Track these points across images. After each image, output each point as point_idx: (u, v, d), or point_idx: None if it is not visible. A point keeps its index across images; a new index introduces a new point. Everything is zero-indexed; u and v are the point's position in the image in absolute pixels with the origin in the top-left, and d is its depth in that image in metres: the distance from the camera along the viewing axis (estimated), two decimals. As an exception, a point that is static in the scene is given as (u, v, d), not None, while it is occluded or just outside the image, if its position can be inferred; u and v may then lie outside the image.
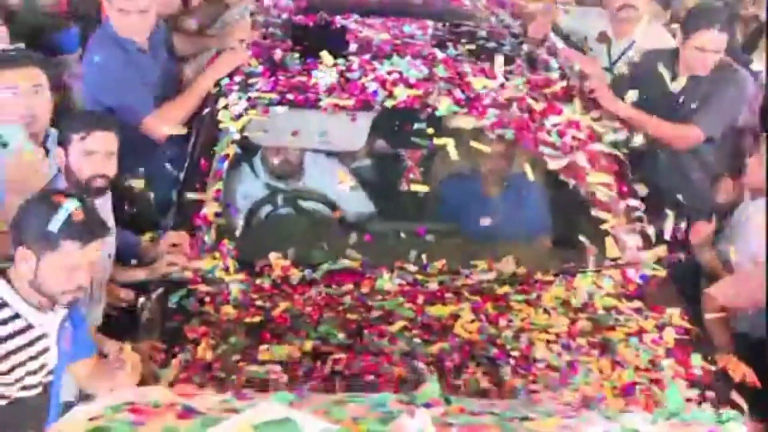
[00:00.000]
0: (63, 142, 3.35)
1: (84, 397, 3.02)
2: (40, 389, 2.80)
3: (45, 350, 2.79)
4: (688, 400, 2.96)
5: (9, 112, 3.39)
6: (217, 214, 3.69)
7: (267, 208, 3.93)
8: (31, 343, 2.75)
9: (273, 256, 3.56)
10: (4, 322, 2.70)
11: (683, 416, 2.69)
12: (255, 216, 3.88)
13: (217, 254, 3.57)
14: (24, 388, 2.75)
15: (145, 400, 2.49)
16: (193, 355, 3.06)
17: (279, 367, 3.02)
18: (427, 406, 2.55)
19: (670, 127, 4.24)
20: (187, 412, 2.45)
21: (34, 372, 2.77)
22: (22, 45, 3.82)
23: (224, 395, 2.63)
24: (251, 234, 3.77)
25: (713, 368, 3.14)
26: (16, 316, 2.73)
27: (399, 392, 2.82)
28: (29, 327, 2.75)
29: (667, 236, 3.83)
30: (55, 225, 2.65)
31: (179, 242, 3.58)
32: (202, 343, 3.11)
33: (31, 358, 2.75)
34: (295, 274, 3.51)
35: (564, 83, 4.14)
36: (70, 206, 2.68)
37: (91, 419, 2.39)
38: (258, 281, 3.47)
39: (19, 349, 2.72)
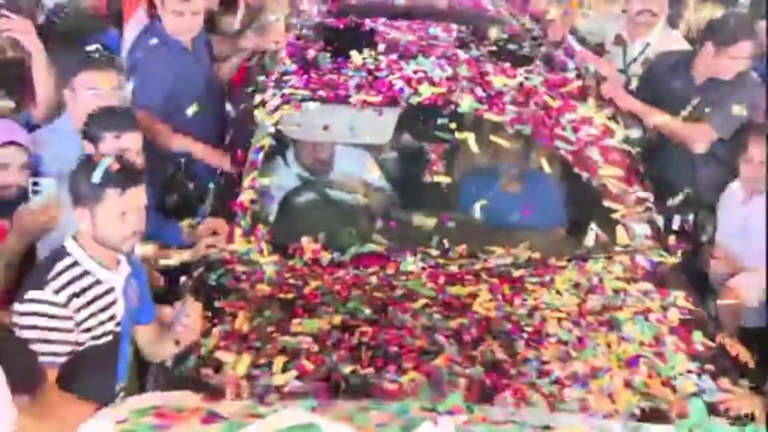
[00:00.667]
0: (94, 139, 3.56)
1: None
2: (110, 337, 3.09)
3: (113, 303, 3.09)
4: (689, 371, 3.19)
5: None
6: (252, 201, 3.96)
7: (299, 197, 4.19)
8: (100, 297, 3.04)
9: (304, 240, 3.82)
10: (77, 278, 3.00)
11: (706, 428, 2.82)
12: (288, 203, 4.15)
13: (252, 238, 3.84)
14: (95, 337, 3.03)
15: (171, 404, 2.65)
16: (231, 327, 3.33)
17: (310, 339, 3.28)
18: (450, 414, 2.69)
19: (684, 126, 4.46)
20: (212, 417, 2.59)
21: (103, 323, 3.06)
22: (100, 47, 4.11)
23: (248, 401, 2.80)
24: (284, 220, 4.04)
25: (713, 344, 3.37)
26: (86, 272, 3.02)
27: (420, 364, 3.10)
28: (97, 282, 3.04)
29: (675, 227, 4.06)
30: (96, 177, 2.96)
31: (217, 227, 3.85)
32: (239, 316, 3.37)
33: (101, 310, 3.04)
34: (325, 257, 3.77)
35: (579, 83, 4.38)
36: (107, 160, 3.00)
37: (117, 422, 2.57)
38: (290, 263, 3.74)
39: (90, 302, 3.01)
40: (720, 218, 4.19)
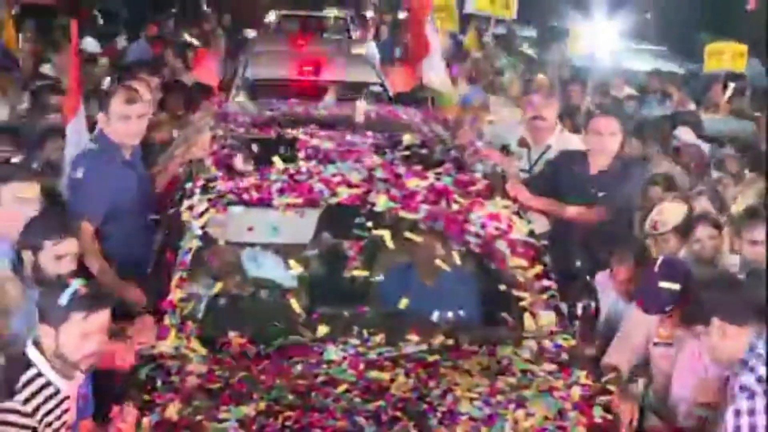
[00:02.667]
0: (33, 248, 3.81)
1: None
2: None
3: (67, 410, 3.31)
4: (589, 442, 3.46)
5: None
6: (181, 299, 4.17)
7: (227, 296, 4.41)
8: (57, 406, 3.27)
9: (232, 334, 4.04)
10: (41, 388, 3.23)
11: None
12: (216, 302, 4.36)
13: (181, 334, 4.04)
14: None
15: None
16: (162, 416, 3.52)
17: (237, 425, 3.48)
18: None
19: (577, 210, 5.09)
20: None
21: (58, 430, 3.27)
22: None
23: None
24: (212, 316, 4.25)
25: (610, 417, 3.66)
26: (48, 383, 3.25)
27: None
28: (57, 392, 3.27)
29: (578, 312, 4.39)
30: (64, 299, 3.21)
31: (145, 326, 4.03)
32: (169, 407, 3.56)
33: (57, 418, 3.27)
34: (252, 349, 3.99)
35: (486, 182, 4.74)
36: (77, 284, 3.24)
37: None
38: (219, 356, 3.94)
39: (50, 411, 3.23)
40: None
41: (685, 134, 7.45)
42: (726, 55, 10.82)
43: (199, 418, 3.52)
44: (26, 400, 3.17)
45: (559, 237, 5.21)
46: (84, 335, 3.23)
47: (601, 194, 5.17)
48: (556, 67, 11.17)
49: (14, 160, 4.57)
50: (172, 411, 3.53)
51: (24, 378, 3.22)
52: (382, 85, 8.83)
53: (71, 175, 4.72)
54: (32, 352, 3.28)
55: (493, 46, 12.03)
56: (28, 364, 3.25)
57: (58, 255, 3.84)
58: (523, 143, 5.66)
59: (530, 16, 16.68)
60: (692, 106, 9.75)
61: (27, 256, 3.89)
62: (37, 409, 3.19)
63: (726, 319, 3.70)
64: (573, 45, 11.42)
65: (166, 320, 4.07)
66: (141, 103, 4.75)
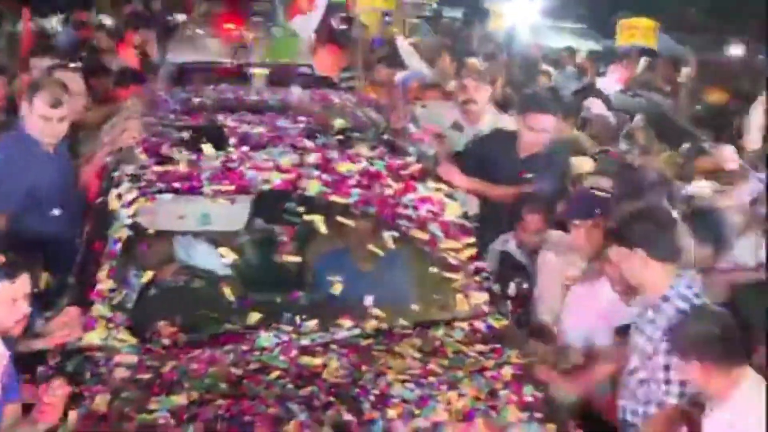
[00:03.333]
0: None
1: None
2: None
3: None
4: (520, 420, 3.49)
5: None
6: (111, 290, 4.11)
7: (156, 286, 4.36)
8: None
9: (161, 324, 3.99)
10: None
11: None
12: (146, 291, 4.31)
13: (110, 325, 3.98)
14: None
15: None
16: (89, 409, 3.47)
17: (168, 414, 3.44)
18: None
19: (504, 190, 5.17)
20: None
21: None
22: None
23: None
24: (142, 306, 4.19)
25: (541, 395, 3.69)
26: None
27: (272, 428, 3.31)
28: None
29: (511, 293, 4.43)
30: None
31: (71, 318, 3.97)
32: (97, 399, 3.51)
33: None
34: (183, 338, 3.95)
35: (419, 165, 4.74)
36: None
37: None
38: (148, 346, 3.90)
39: None
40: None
41: (594, 107, 7.60)
42: (638, 31, 11.22)
43: (128, 409, 3.47)
44: None
45: (488, 217, 5.25)
46: (13, 301, 3.39)
47: (529, 176, 5.24)
48: (479, 43, 11.37)
49: None
50: (101, 403, 3.48)
51: None
52: (309, 66, 8.84)
53: None
54: None
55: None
56: None
57: None
58: (456, 126, 5.70)
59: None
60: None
61: None
62: None
63: (652, 253, 3.75)
64: (495, 23, 11.71)
65: (95, 311, 4.01)
66: (64, 107, 4.65)
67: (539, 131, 5.31)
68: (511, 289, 4.44)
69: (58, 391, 3.36)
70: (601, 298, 4.27)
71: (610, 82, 10.04)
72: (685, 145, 6.60)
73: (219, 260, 4.37)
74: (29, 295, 3.47)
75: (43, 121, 4.58)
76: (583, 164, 5.88)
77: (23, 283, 3.43)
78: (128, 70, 7.54)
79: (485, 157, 5.29)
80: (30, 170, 4.55)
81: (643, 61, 10.46)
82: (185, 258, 4.50)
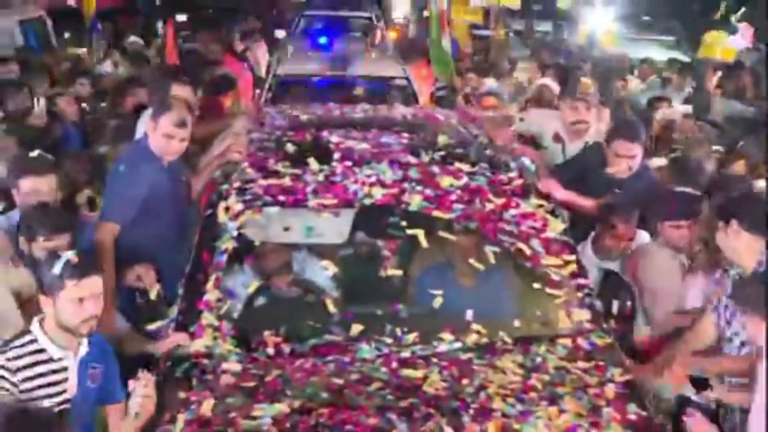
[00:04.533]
0: (28, 236, 4.16)
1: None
2: (55, 410, 3.44)
3: (62, 381, 3.49)
4: (622, 438, 3.44)
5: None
6: (218, 300, 4.22)
7: (262, 296, 4.46)
8: (49, 373, 3.46)
9: (266, 333, 4.08)
10: (31, 353, 3.48)
11: None
12: (252, 302, 4.41)
13: (217, 334, 4.09)
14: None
15: None
16: (196, 414, 3.56)
17: (270, 421, 3.51)
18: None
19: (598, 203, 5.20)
20: None
21: (49, 396, 3.45)
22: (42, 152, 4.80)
23: None
24: (248, 316, 4.29)
25: (645, 414, 3.63)
26: (42, 350, 3.47)
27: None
28: (51, 359, 3.47)
29: (614, 311, 4.37)
30: (57, 269, 3.45)
31: (180, 341, 4.07)
32: (204, 404, 3.61)
33: (50, 385, 3.46)
34: (286, 348, 4.02)
35: (521, 181, 4.73)
36: (68, 255, 3.50)
37: None
38: (254, 355, 3.98)
39: (37, 376, 3.43)
40: None
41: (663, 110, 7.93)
42: (718, 45, 12.07)
43: (233, 415, 3.56)
44: (12, 359, 3.42)
45: (577, 230, 5.17)
46: (78, 300, 3.46)
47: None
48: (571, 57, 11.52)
49: (33, 154, 4.76)
50: (207, 408, 3.58)
51: (18, 342, 3.49)
52: (406, 78, 8.96)
53: (114, 167, 4.86)
54: (34, 326, 3.54)
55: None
56: (25, 333, 3.53)
57: (47, 248, 4.08)
58: (557, 138, 5.69)
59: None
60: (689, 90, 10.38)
61: (22, 240, 4.26)
62: (21, 369, 3.42)
63: (743, 224, 3.96)
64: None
65: (203, 320, 4.12)
66: (188, 127, 4.81)
67: (626, 158, 5.35)
68: (615, 307, 4.38)
69: (147, 384, 3.53)
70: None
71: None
72: None
73: (325, 273, 4.44)
74: (98, 298, 3.52)
75: (166, 139, 4.75)
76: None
77: (92, 284, 3.49)
78: (226, 76, 7.78)
79: (582, 172, 5.32)
80: (148, 182, 4.73)
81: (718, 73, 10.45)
82: (299, 270, 4.59)
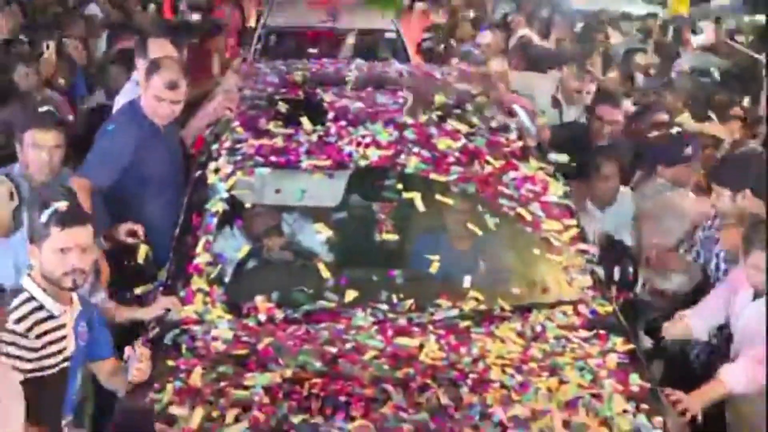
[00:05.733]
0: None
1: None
2: (56, 370, 3.36)
3: (63, 338, 3.39)
4: (625, 411, 3.34)
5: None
6: (208, 263, 4.09)
7: (253, 260, 4.33)
8: (51, 330, 3.36)
9: (258, 299, 3.95)
10: (31, 312, 3.34)
11: None
12: (243, 266, 4.28)
13: (207, 299, 3.97)
14: (43, 368, 3.31)
15: None
16: (186, 383, 3.45)
17: (262, 391, 3.40)
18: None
19: None
20: None
21: (53, 354, 3.35)
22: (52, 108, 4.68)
23: None
24: (239, 281, 4.16)
25: (648, 385, 3.53)
26: (41, 307, 3.35)
27: (368, 412, 3.24)
28: (51, 317, 3.36)
29: (616, 277, 4.26)
30: (44, 217, 3.33)
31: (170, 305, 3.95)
32: (194, 373, 3.49)
33: (51, 343, 3.35)
34: (279, 315, 3.90)
35: (521, 143, 4.59)
36: (59, 204, 3.36)
37: None
38: (245, 321, 3.86)
39: (43, 334, 3.32)
40: None
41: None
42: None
43: (223, 384, 3.44)
44: (18, 320, 3.30)
45: None
46: (62, 250, 3.33)
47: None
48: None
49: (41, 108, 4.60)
50: (196, 377, 3.46)
51: (16, 301, 3.35)
52: (396, 32, 8.80)
53: (104, 125, 4.68)
54: (25, 280, 3.42)
55: None
56: (19, 291, 3.39)
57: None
58: (555, 103, 5.63)
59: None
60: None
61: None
62: (30, 329, 3.31)
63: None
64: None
65: (192, 285, 3.99)
66: (180, 90, 4.60)
67: (609, 122, 5.57)
68: (616, 273, 4.27)
69: (143, 358, 3.46)
70: None
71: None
72: None
73: (317, 237, 4.31)
74: (84, 250, 3.39)
75: (157, 101, 4.57)
76: None
77: (76, 234, 3.35)
78: (214, 20, 7.62)
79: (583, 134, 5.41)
80: (135, 144, 4.56)
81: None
82: (292, 234, 4.45)
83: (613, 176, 5.14)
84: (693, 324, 4.14)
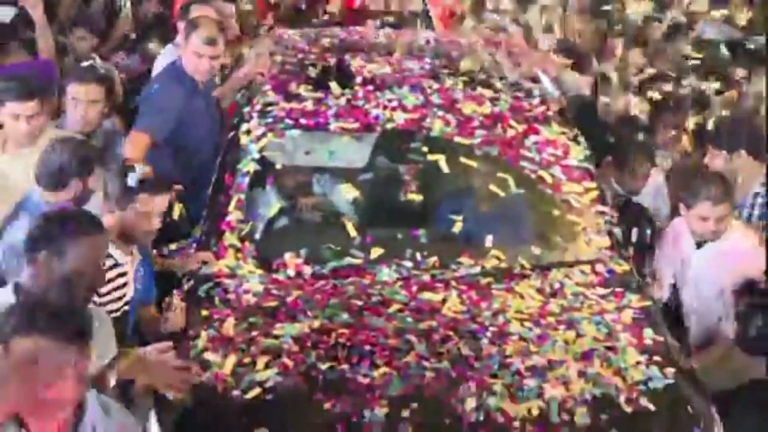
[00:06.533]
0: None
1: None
2: (119, 314, 3.58)
3: (125, 284, 3.64)
4: (638, 362, 3.48)
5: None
6: (240, 221, 4.26)
7: (283, 218, 4.49)
8: (117, 277, 3.58)
9: (288, 256, 4.12)
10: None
11: None
12: (273, 224, 4.44)
13: (239, 255, 4.14)
14: (109, 312, 3.48)
15: None
16: (219, 332, 3.63)
17: (291, 340, 3.57)
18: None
19: None
20: None
21: (117, 300, 3.58)
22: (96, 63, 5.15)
23: None
24: (269, 238, 4.33)
25: (661, 339, 3.67)
26: (110, 256, 3.51)
27: (392, 360, 3.40)
28: (117, 265, 3.59)
29: (633, 238, 4.38)
30: (132, 181, 3.59)
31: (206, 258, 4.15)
32: (226, 322, 3.67)
33: (116, 289, 3.58)
34: (307, 270, 4.07)
35: (543, 108, 4.71)
36: (143, 168, 3.65)
37: None
38: (275, 276, 4.03)
39: (110, 280, 3.50)
40: None
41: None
42: None
43: (254, 333, 3.62)
44: None
45: None
46: (148, 214, 3.64)
47: None
48: None
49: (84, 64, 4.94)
50: (229, 326, 3.64)
51: None
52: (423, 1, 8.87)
53: (148, 87, 4.92)
54: None
55: None
56: None
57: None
58: None
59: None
60: None
61: None
62: None
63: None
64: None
65: (225, 240, 4.17)
66: (218, 46, 4.87)
67: None
68: (634, 234, 4.39)
69: (177, 308, 3.69)
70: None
71: None
72: None
73: (345, 197, 4.45)
74: (161, 214, 3.72)
75: (196, 57, 4.80)
76: None
77: (161, 201, 3.69)
78: None
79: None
80: (179, 101, 4.79)
81: None
82: (321, 193, 4.61)
83: (644, 175, 5.23)
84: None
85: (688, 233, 4.48)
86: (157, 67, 5.40)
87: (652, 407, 3.30)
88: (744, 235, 4.46)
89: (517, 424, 3.20)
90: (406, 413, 3.22)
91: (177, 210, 4.41)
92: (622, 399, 3.31)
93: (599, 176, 4.71)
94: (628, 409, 3.29)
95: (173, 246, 4.24)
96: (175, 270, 4.09)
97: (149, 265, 3.90)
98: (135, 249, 3.75)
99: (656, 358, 3.53)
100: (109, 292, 3.54)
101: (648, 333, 3.68)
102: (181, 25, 5.26)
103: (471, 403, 3.26)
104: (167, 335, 3.65)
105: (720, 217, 4.32)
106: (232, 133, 4.62)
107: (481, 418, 3.21)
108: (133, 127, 4.86)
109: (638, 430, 3.27)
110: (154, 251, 4.05)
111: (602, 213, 4.38)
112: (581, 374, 3.41)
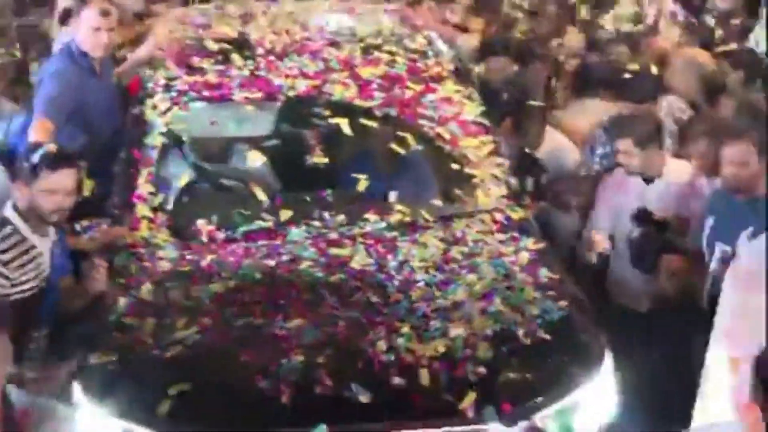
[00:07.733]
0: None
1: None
2: (35, 291, 3.66)
3: (39, 262, 3.69)
4: (534, 299, 3.74)
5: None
6: (150, 193, 4.38)
7: (194, 187, 4.61)
8: (30, 257, 3.66)
9: (200, 222, 4.26)
10: (15, 244, 3.66)
11: None
12: (184, 193, 4.56)
13: (152, 225, 4.26)
14: (21, 291, 3.61)
15: None
16: (136, 297, 3.77)
17: (208, 300, 3.73)
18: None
19: None
20: None
21: (31, 279, 3.65)
22: None
23: None
24: (181, 207, 4.46)
25: (556, 276, 3.94)
26: (24, 239, 3.65)
27: (305, 312, 3.59)
28: (32, 247, 3.67)
29: (528, 187, 4.64)
30: (35, 158, 3.64)
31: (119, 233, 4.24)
32: (143, 288, 3.81)
33: (31, 270, 3.66)
34: (219, 235, 4.22)
35: (438, 68, 4.92)
36: (48, 147, 3.70)
37: None
38: (188, 243, 4.17)
39: (24, 264, 3.62)
40: None
41: None
42: None
43: (171, 297, 3.77)
44: (2, 252, 3.59)
45: None
46: (52, 191, 3.64)
47: None
48: None
49: None
50: (146, 292, 3.78)
51: (1, 234, 3.63)
52: None
53: (41, 72, 4.94)
54: (9, 212, 3.71)
55: None
56: (5, 222, 3.66)
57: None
58: None
59: None
60: None
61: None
62: (12, 260, 3.60)
63: None
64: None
65: (137, 212, 4.28)
66: (112, 17, 4.91)
67: None
68: (529, 183, 4.64)
69: (100, 269, 3.79)
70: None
71: None
72: None
73: (254, 163, 4.60)
74: (70, 190, 3.71)
75: (93, 31, 4.84)
76: None
77: (64, 177, 3.68)
78: None
79: None
80: (78, 82, 4.83)
81: None
82: (231, 161, 4.75)
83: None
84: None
85: (628, 181, 4.55)
86: (55, 50, 5.42)
87: (548, 337, 3.57)
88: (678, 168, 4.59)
89: (425, 362, 3.42)
90: (321, 359, 3.41)
91: (88, 186, 4.50)
92: (521, 332, 3.56)
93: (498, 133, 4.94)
94: (527, 341, 3.55)
95: (85, 222, 4.34)
96: (88, 249, 4.17)
97: (63, 240, 3.94)
98: (52, 230, 3.79)
99: (550, 293, 3.79)
100: (24, 273, 3.63)
101: (543, 272, 3.94)
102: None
103: (381, 346, 3.46)
104: (88, 304, 3.77)
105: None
106: (137, 109, 4.72)
107: (392, 358, 3.43)
108: (33, 114, 4.83)
109: (536, 359, 3.53)
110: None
111: (499, 165, 4.62)
112: (483, 312, 3.65)
